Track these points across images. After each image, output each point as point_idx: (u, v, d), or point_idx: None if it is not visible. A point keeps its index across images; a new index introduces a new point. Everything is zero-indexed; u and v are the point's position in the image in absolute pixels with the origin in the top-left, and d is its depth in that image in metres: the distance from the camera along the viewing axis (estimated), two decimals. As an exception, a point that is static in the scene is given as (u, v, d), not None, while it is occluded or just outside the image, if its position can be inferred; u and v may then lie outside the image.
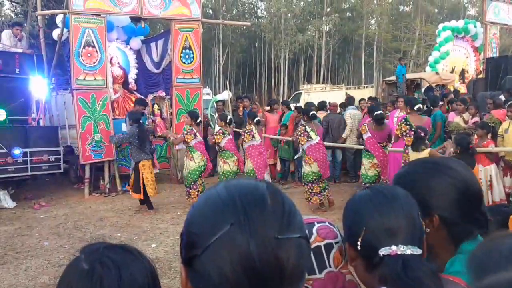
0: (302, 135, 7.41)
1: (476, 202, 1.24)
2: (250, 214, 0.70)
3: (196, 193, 7.66)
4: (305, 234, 0.75)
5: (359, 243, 1.03)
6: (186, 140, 7.68)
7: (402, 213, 1.03)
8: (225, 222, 0.69)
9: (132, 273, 0.96)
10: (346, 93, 17.74)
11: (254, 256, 0.67)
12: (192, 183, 7.71)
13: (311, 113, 8.07)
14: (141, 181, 7.36)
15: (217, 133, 7.92)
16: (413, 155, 6.06)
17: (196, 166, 7.71)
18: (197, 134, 7.84)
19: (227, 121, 8.31)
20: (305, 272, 0.76)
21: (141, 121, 7.83)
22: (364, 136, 7.41)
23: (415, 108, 7.59)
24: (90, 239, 6.19)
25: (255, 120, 8.43)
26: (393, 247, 0.99)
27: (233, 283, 0.67)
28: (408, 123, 6.70)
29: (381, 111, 7.72)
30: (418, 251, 1.01)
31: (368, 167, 7.41)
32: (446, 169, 1.25)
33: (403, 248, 0.99)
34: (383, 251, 0.99)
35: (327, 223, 1.26)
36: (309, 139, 7.36)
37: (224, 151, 7.91)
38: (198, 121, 8.00)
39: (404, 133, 6.58)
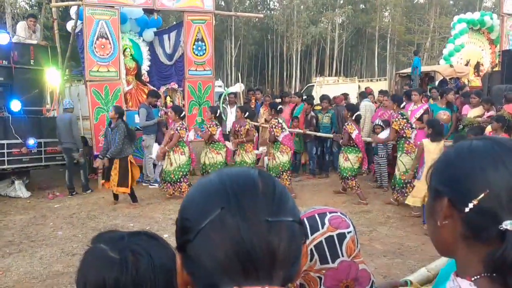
0: (276, 127, 7.87)
1: None
2: (241, 198, 0.70)
3: (187, 187, 7.78)
4: (298, 218, 0.75)
5: (471, 205, 0.80)
6: (181, 136, 7.79)
7: None
8: (216, 206, 0.70)
9: (161, 258, 0.97)
10: (359, 86, 17.63)
11: (245, 239, 0.67)
12: (183, 177, 7.85)
13: (279, 107, 8.37)
14: (130, 175, 7.35)
15: (211, 125, 8.07)
16: (433, 146, 6.20)
17: (186, 160, 7.89)
18: (187, 128, 8.04)
19: (217, 114, 8.36)
20: (299, 257, 0.75)
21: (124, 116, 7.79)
22: (354, 134, 7.44)
23: (401, 106, 7.50)
24: (103, 229, 6.23)
25: (278, 109, 8.33)
26: None
27: (225, 266, 0.68)
28: (404, 117, 7.17)
29: (360, 113, 7.94)
30: None
31: (355, 161, 7.51)
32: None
33: None
34: (508, 225, 0.76)
35: (339, 213, 1.27)
36: (283, 130, 7.94)
37: (217, 143, 8.15)
38: (182, 115, 8.02)
39: (403, 127, 7.04)
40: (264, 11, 39.65)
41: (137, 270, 0.94)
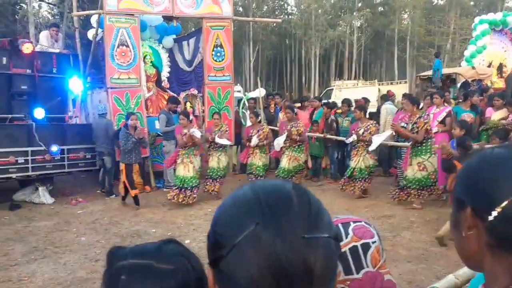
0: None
1: None
2: (276, 213, 0.68)
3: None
4: (334, 234, 0.73)
5: (495, 213, 0.79)
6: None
7: None
8: (251, 221, 0.68)
9: (197, 260, 0.94)
10: (378, 89, 17.48)
11: (281, 256, 0.65)
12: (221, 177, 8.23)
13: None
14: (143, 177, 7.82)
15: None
16: None
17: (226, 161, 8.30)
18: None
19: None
20: (335, 273, 0.73)
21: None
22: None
23: (419, 107, 7.58)
24: (125, 235, 6.32)
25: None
26: None
27: (260, 284, 0.65)
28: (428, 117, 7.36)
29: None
30: None
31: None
32: None
33: None
34: None
35: (363, 223, 1.24)
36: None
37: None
38: (191, 119, 8.37)
39: (430, 128, 7.15)
40: (282, 16, 39.70)
41: (193, 270, 0.90)
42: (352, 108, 9.65)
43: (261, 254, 0.66)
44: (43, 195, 8.39)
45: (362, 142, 7.93)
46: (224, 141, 8.34)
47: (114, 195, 8.64)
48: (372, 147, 7.80)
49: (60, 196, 8.74)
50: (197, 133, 7.85)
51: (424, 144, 7.16)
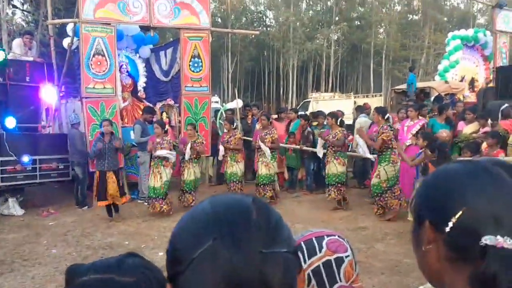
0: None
1: None
2: (234, 228, 0.68)
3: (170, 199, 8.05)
4: (293, 249, 0.72)
5: (451, 223, 0.80)
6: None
7: (510, 199, 0.80)
8: (208, 236, 0.67)
9: (159, 273, 0.91)
10: (354, 102, 17.68)
11: (238, 271, 0.65)
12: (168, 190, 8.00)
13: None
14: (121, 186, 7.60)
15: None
16: None
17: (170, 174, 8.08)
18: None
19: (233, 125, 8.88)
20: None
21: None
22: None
23: (386, 118, 7.66)
24: (97, 247, 6.20)
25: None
26: (499, 238, 0.76)
27: None
28: (392, 128, 7.45)
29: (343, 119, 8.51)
30: None
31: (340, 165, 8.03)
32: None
33: (510, 241, 0.76)
34: (487, 240, 0.76)
35: (336, 236, 1.24)
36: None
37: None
38: (165, 130, 8.23)
39: (391, 138, 7.24)
40: (260, 28, 39.97)
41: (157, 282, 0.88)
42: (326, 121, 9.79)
43: (218, 269, 0.65)
44: (13, 207, 8.17)
45: (330, 149, 8.10)
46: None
47: (86, 206, 8.48)
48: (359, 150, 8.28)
49: (30, 208, 8.52)
50: (169, 157, 7.85)
51: (383, 153, 7.36)
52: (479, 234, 0.77)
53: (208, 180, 10.91)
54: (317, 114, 10.26)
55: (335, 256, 1.18)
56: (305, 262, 1.17)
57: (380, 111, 7.69)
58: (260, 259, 0.66)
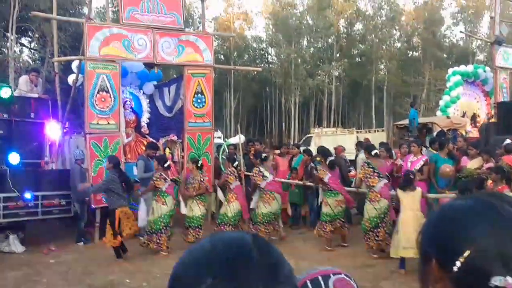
0: (257, 175, 8.18)
1: None
2: (234, 267, 0.67)
3: (166, 239, 7.74)
4: (294, 286, 0.72)
5: (458, 263, 0.80)
6: (157, 186, 7.74)
7: None
8: (208, 275, 0.66)
9: None
10: (357, 137, 17.72)
11: None
12: (164, 228, 7.73)
13: (263, 155, 8.66)
14: (116, 228, 7.18)
15: (157, 178, 7.94)
16: (406, 197, 6.55)
17: (168, 210, 7.81)
18: (167, 178, 7.93)
19: (198, 163, 8.52)
20: None
21: (120, 166, 7.87)
22: (326, 178, 7.76)
23: (372, 153, 7.71)
24: (99, 286, 6.08)
25: (263, 157, 8.62)
26: (509, 279, 0.75)
27: None
28: (370, 166, 7.38)
29: (333, 159, 8.25)
30: None
31: (334, 205, 7.70)
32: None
33: None
34: (496, 281, 0.75)
35: (343, 275, 1.21)
36: (265, 178, 8.21)
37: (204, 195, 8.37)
38: (166, 165, 8.00)
39: (368, 176, 7.28)
40: (263, 65, 40.55)
41: None
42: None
43: None
44: (14, 244, 8.08)
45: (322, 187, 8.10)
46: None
47: (82, 242, 8.44)
48: None
49: (31, 245, 8.42)
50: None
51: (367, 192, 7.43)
52: (488, 275, 0.76)
53: (211, 217, 10.80)
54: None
55: None
56: None
57: (367, 148, 7.90)
58: None
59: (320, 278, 1.19)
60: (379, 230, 7.16)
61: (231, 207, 8.23)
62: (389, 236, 7.01)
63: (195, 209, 8.20)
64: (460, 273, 0.80)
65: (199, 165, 8.50)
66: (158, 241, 7.70)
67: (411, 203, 6.48)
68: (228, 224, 8.14)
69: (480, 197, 0.90)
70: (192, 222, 8.17)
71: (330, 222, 7.70)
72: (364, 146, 7.92)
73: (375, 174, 7.32)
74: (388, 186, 7.42)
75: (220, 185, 9.17)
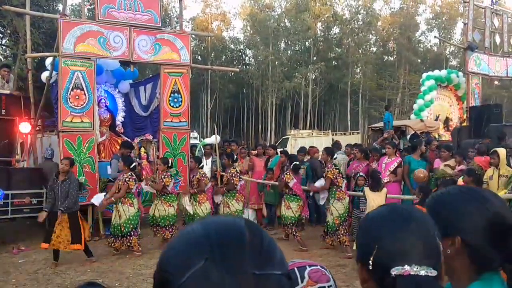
0: (235, 176, 8.49)
1: (504, 235, 1.18)
2: (226, 249, 0.66)
3: (136, 240, 7.62)
4: (286, 272, 0.71)
5: (370, 262, 0.97)
6: (130, 187, 7.61)
7: (416, 232, 0.98)
8: (199, 257, 0.65)
9: None
10: (332, 139, 17.89)
11: None
12: (133, 230, 7.59)
13: (235, 157, 9.05)
14: (82, 230, 6.97)
15: (165, 176, 8.03)
16: (373, 195, 7.04)
17: (135, 212, 7.68)
18: (136, 178, 7.82)
19: (169, 164, 8.50)
20: None
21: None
22: (292, 183, 8.04)
23: (334, 157, 8.33)
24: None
25: (234, 159, 8.84)
26: (406, 267, 0.94)
27: None
28: (337, 167, 7.85)
29: (298, 162, 8.70)
30: (433, 272, 0.95)
31: (296, 209, 8.05)
32: (481, 197, 1.24)
33: (417, 268, 0.94)
34: (394, 271, 0.94)
35: (318, 266, 1.24)
36: (241, 180, 8.66)
37: (169, 195, 8.17)
38: (132, 166, 7.83)
39: (336, 176, 7.67)
40: (240, 66, 40.55)
41: None
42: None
43: None
44: (-18, 243, 7.87)
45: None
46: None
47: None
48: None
49: (0, 244, 8.22)
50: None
51: (330, 191, 7.80)
52: (389, 267, 0.94)
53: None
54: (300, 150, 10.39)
55: (317, 286, 1.19)
56: None
57: (329, 151, 8.27)
58: (253, 281, 0.64)
59: (296, 269, 1.22)
60: (346, 223, 7.72)
61: (203, 208, 8.26)
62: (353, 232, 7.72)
63: (160, 209, 8.06)
64: (374, 270, 0.97)
65: (169, 165, 8.48)
66: (128, 244, 7.57)
67: (378, 201, 6.85)
68: None
69: (392, 205, 1.10)
70: (162, 221, 8.04)
71: (293, 225, 8.03)
72: (327, 150, 8.26)
73: (340, 175, 7.82)
74: (346, 186, 8.02)
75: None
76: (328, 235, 7.74)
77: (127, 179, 7.58)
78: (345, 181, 7.98)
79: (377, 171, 7.82)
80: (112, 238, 7.64)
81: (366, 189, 7.26)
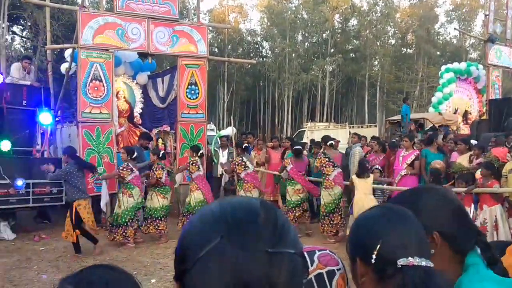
0: (239, 164, 8.36)
1: (464, 214, 1.33)
2: (241, 227, 0.69)
3: (133, 231, 7.62)
4: (300, 251, 0.74)
5: (374, 256, 1.05)
6: (122, 175, 7.63)
7: (413, 229, 1.09)
8: (215, 235, 0.68)
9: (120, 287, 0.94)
10: (349, 132, 17.79)
11: (244, 269, 0.66)
12: (130, 221, 7.59)
13: (244, 145, 8.80)
14: (73, 222, 6.86)
15: (157, 169, 7.93)
16: (360, 182, 7.40)
17: (134, 203, 7.68)
18: (134, 169, 7.74)
19: (198, 153, 8.50)
20: None
21: (78, 157, 7.51)
22: (288, 168, 8.29)
23: (328, 144, 8.46)
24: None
25: (244, 147, 8.73)
26: (410, 259, 1.03)
27: None
28: (326, 156, 8.03)
29: (300, 146, 8.78)
30: (431, 264, 1.04)
31: (292, 194, 8.26)
32: (430, 189, 1.40)
33: (419, 259, 1.03)
34: (401, 262, 1.03)
35: (327, 251, 1.26)
36: (246, 168, 8.37)
37: (163, 187, 8.05)
38: (134, 156, 7.86)
39: (324, 165, 7.91)
40: (257, 58, 40.46)
41: None
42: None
43: (224, 267, 0.66)
44: (4, 231, 8.07)
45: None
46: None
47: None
48: None
49: (22, 232, 8.41)
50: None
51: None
52: (395, 259, 1.03)
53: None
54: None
55: (326, 269, 1.21)
56: (308, 271, 1.19)
57: (325, 139, 8.61)
58: (266, 258, 0.67)
59: (305, 253, 1.24)
60: (334, 215, 7.87)
61: (193, 197, 8.18)
62: (345, 220, 7.91)
63: (154, 200, 8.00)
64: (376, 263, 1.05)
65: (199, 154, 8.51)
66: (124, 234, 7.57)
67: (364, 187, 7.28)
68: (192, 214, 7.92)
69: (386, 205, 1.21)
70: (153, 213, 7.98)
71: (289, 210, 8.16)
72: (324, 138, 8.67)
73: (330, 163, 7.96)
74: (341, 175, 8.12)
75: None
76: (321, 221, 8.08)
77: (120, 167, 7.74)
78: (338, 171, 8.04)
79: (365, 159, 8.30)
80: (112, 228, 7.62)
81: (354, 177, 7.55)
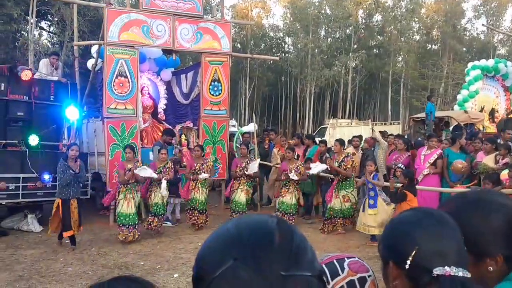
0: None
1: None
2: (256, 249, 0.69)
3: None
4: (317, 273, 0.73)
5: (408, 262, 1.03)
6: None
7: (452, 237, 1.06)
8: (230, 256, 0.69)
9: None
10: (372, 129, 17.63)
11: None
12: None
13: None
14: (57, 219, 7.02)
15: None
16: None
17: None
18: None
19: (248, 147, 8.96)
20: None
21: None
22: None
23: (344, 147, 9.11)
24: (113, 266, 6.22)
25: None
26: (447, 268, 1.00)
27: None
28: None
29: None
30: (468, 275, 1.01)
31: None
32: (498, 206, 1.23)
33: (456, 269, 1.00)
34: (437, 271, 1.01)
35: (356, 258, 1.28)
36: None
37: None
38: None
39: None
40: (279, 54, 40.34)
41: None
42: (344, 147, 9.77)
43: None
44: (32, 223, 8.28)
45: (292, 181, 8.40)
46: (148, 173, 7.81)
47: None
48: (313, 170, 8.80)
49: (48, 225, 8.59)
50: (143, 172, 7.61)
51: (348, 180, 8.30)
52: (430, 267, 1.01)
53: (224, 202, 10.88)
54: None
55: (358, 276, 1.22)
56: (328, 283, 1.21)
57: (341, 142, 8.95)
58: (280, 282, 0.67)
59: (335, 261, 1.26)
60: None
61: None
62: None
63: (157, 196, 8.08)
64: (410, 269, 1.03)
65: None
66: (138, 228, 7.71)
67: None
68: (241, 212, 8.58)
69: (422, 209, 1.17)
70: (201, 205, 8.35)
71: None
72: (339, 141, 9.05)
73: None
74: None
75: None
76: (347, 219, 8.49)
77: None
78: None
79: (412, 171, 7.88)
80: (125, 229, 7.55)
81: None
